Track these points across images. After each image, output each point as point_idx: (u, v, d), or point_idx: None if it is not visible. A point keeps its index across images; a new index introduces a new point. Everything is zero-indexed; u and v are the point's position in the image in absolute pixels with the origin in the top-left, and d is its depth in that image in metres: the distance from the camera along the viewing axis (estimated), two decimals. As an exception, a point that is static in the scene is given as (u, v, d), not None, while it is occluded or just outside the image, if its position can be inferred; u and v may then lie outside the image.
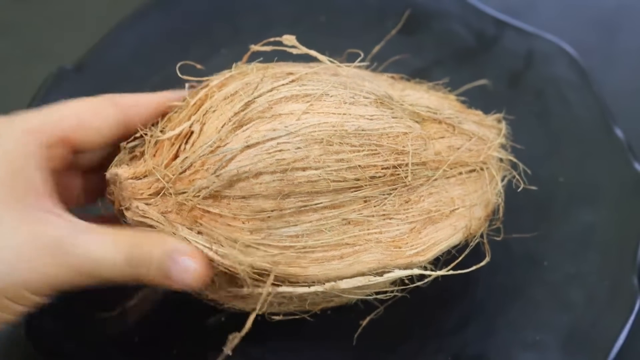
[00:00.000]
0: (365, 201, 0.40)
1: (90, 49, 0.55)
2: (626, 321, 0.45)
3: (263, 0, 0.58)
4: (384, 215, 0.40)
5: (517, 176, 0.45)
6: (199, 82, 0.43)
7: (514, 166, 0.45)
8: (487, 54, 0.56)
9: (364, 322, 0.44)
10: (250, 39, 0.48)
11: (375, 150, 0.40)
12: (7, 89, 0.57)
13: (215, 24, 0.57)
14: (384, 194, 0.40)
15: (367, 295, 0.43)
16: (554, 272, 0.48)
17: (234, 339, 0.39)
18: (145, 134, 0.41)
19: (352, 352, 0.45)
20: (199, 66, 0.44)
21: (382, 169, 0.40)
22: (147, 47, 0.56)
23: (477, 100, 0.49)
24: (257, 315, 0.42)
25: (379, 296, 0.42)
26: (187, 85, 0.43)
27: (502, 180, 0.44)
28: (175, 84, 0.44)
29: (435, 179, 0.41)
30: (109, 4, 0.62)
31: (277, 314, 0.41)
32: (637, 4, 0.62)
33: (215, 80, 0.42)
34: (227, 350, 0.39)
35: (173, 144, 0.40)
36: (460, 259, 0.41)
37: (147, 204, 0.39)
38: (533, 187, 0.45)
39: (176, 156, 0.40)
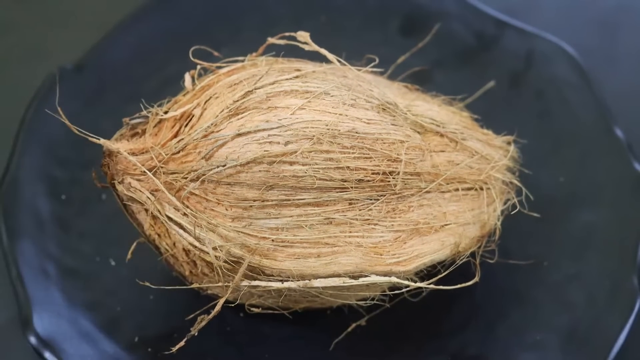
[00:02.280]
0: (350, 203, 0.40)
1: (90, 49, 0.55)
2: (626, 321, 0.45)
3: (263, 1, 0.58)
4: (368, 220, 0.40)
5: (523, 194, 0.44)
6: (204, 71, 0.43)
7: (518, 192, 0.45)
8: (487, 54, 0.56)
9: (358, 323, 0.45)
10: (250, 39, 0.49)
11: (367, 154, 0.40)
12: (7, 89, 0.57)
13: (215, 24, 0.57)
14: (370, 199, 0.40)
15: (358, 300, 0.43)
16: (554, 272, 0.48)
17: (202, 320, 0.40)
18: (150, 113, 0.41)
19: (351, 352, 0.45)
20: (216, 53, 0.44)
21: (372, 173, 0.40)
22: (147, 47, 0.56)
23: (478, 101, 0.49)
24: (257, 315, 0.42)
25: (364, 302, 0.42)
26: (186, 75, 0.43)
27: (505, 203, 0.44)
28: (176, 83, 0.44)
29: (428, 191, 0.41)
30: (109, 4, 0.62)
31: (257, 307, 0.41)
32: (637, 4, 0.62)
33: (226, 68, 0.42)
34: (194, 331, 0.40)
35: (174, 125, 0.41)
36: (444, 274, 0.41)
37: (138, 180, 0.40)
38: (532, 197, 0.45)
39: (175, 137, 0.40)
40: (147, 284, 0.42)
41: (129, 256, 0.42)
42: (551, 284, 0.47)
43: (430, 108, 0.44)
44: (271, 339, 0.46)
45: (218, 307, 0.39)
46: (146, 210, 0.41)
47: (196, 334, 0.40)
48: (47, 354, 0.44)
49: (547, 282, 0.48)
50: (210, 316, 0.39)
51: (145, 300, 0.47)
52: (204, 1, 0.58)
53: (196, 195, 0.39)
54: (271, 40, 0.42)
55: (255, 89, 0.40)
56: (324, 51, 0.41)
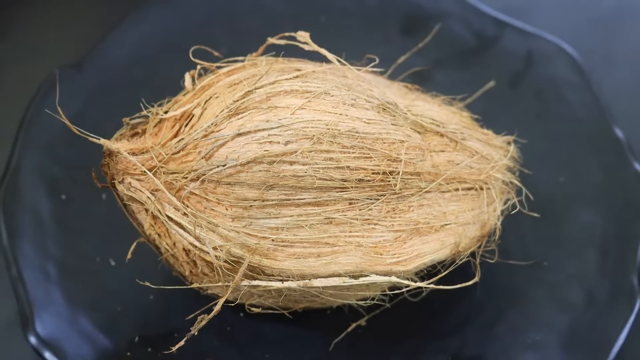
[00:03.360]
0: (350, 203, 0.40)
1: (90, 49, 0.55)
2: (626, 321, 0.45)
3: (263, 1, 0.58)
4: (368, 219, 0.40)
5: (523, 194, 0.44)
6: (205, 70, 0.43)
7: (518, 192, 0.45)
8: (487, 54, 0.56)
9: (358, 323, 0.45)
10: (250, 39, 0.49)
11: (368, 154, 0.40)
12: (7, 89, 0.57)
13: (215, 24, 0.57)
14: (370, 199, 0.40)
15: (358, 300, 0.43)
16: (554, 272, 0.48)
17: (202, 320, 0.39)
18: (150, 113, 0.41)
19: (351, 352, 0.45)
20: (216, 53, 0.44)
21: (372, 173, 0.40)
22: (147, 47, 0.56)
23: (478, 101, 0.49)
24: (257, 315, 0.42)
25: (364, 302, 0.42)
26: (186, 75, 0.43)
27: (505, 203, 0.44)
28: (175, 83, 0.44)
29: (428, 191, 0.41)
30: (109, 4, 0.62)
31: (257, 307, 0.41)
32: (637, 4, 0.62)
33: (225, 68, 0.42)
34: (194, 330, 0.40)
35: (174, 125, 0.41)
36: (444, 273, 0.41)
37: (138, 180, 0.40)
38: (532, 197, 0.45)
39: (175, 137, 0.40)
40: (147, 284, 0.42)
41: (129, 256, 0.42)
42: (551, 284, 0.47)
43: (430, 108, 0.44)
44: (271, 339, 0.46)
45: (218, 307, 0.39)
46: (146, 210, 0.41)
47: (196, 334, 0.40)
48: (47, 354, 0.44)
49: (547, 282, 0.48)
50: (210, 316, 0.39)
51: (145, 300, 0.47)
52: (204, 1, 0.58)
53: (196, 195, 0.39)
54: (271, 40, 0.43)
55: (255, 88, 0.40)
56: (324, 51, 0.41)
